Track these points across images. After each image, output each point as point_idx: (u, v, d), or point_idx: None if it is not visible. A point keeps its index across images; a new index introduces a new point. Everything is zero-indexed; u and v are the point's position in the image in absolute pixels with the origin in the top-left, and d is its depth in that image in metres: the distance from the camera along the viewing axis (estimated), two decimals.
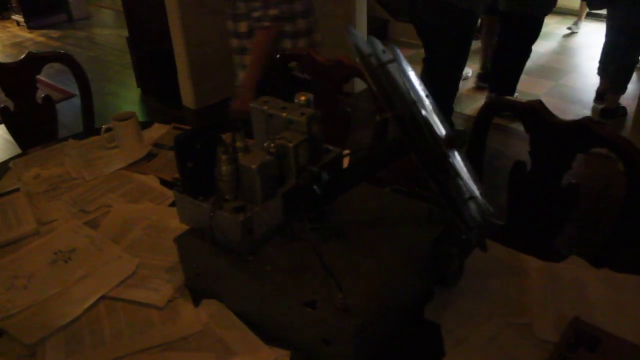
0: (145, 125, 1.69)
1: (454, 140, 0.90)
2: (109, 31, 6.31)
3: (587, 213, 2.42)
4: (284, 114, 0.97)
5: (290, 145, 0.93)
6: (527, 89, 3.67)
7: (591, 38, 4.79)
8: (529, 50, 3.25)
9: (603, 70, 3.51)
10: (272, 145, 0.92)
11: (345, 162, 1.10)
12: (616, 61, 3.30)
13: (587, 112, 3.46)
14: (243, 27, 1.82)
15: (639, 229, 1.17)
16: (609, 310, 0.93)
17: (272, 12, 1.73)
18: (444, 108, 3.05)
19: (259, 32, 1.78)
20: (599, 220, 2.40)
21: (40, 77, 1.88)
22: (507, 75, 3.32)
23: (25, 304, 1.00)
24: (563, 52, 4.52)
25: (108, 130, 1.57)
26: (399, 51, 0.95)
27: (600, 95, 3.54)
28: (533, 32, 3.20)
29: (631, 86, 3.43)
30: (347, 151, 1.08)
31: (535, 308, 0.94)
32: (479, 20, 3.26)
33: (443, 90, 2.92)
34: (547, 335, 0.88)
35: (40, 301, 1.01)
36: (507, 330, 0.90)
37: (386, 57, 0.89)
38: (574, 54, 4.54)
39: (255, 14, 1.74)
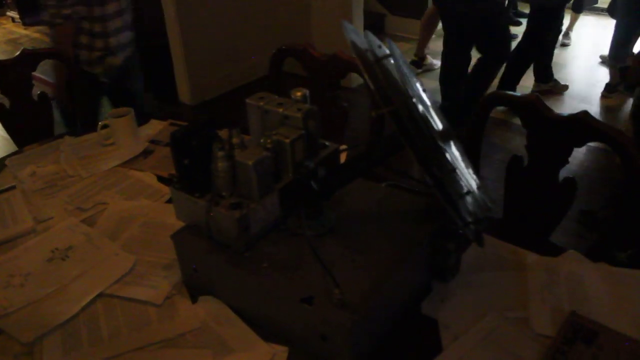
0: (141, 122, 1.69)
1: (449, 135, 0.90)
2: None
3: (585, 207, 2.42)
4: (280, 110, 0.97)
5: (287, 141, 0.92)
6: (524, 82, 3.67)
7: (588, 32, 4.79)
8: (541, 45, 3.25)
9: (613, 59, 3.55)
10: (269, 141, 0.92)
11: (343, 157, 1.10)
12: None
13: (585, 106, 3.46)
14: (46, 16, 2.01)
15: (636, 222, 1.18)
16: (606, 304, 0.93)
17: (65, 11, 1.93)
18: (455, 94, 3.07)
19: (57, 28, 2.00)
20: (597, 214, 2.40)
21: (36, 73, 1.88)
22: (515, 69, 3.33)
23: (22, 302, 1.00)
24: (560, 47, 4.52)
25: (104, 127, 1.56)
26: (395, 46, 0.95)
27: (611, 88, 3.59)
28: (544, 24, 3.19)
29: None
30: (344, 146, 1.07)
31: (533, 302, 0.94)
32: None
33: (457, 77, 2.96)
34: (545, 330, 0.88)
35: (37, 299, 1.00)
36: (504, 324, 0.90)
37: (382, 52, 0.89)
38: (571, 48, 4.54)
39: (50, 11, 1.93)
